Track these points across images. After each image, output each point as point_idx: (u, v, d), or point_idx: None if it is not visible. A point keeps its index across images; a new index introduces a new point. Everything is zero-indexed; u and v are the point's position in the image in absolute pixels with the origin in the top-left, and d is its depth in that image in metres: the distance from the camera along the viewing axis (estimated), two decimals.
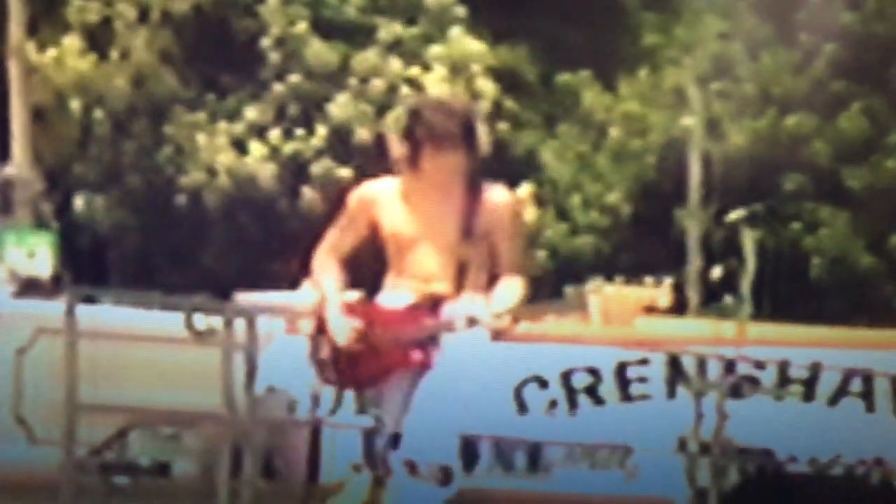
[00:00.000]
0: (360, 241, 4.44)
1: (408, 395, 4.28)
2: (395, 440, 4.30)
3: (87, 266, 16.50)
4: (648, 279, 4.28)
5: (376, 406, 4.40)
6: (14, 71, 17.17)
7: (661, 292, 4.24)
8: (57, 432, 5.19)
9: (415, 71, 17.36)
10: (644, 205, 17.74)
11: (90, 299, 5.86)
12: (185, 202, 17.38)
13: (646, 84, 18.23)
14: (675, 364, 6.89)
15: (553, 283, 14.77)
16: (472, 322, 4.22)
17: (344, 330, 4.32)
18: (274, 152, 17.53)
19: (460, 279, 4.32)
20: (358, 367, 4.34)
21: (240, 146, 17.60)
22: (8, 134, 17.21)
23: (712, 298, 17.43)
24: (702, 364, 6.63)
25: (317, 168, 17.35)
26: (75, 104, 17.67)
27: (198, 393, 5.34)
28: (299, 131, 17.54)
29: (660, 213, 17.48)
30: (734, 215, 7.27)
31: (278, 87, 17.53)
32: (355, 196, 4.51)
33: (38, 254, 15.10)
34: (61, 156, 17.80)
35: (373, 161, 17.64)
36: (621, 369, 6.92)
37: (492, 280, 4.32)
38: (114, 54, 17.65)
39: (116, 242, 17.80)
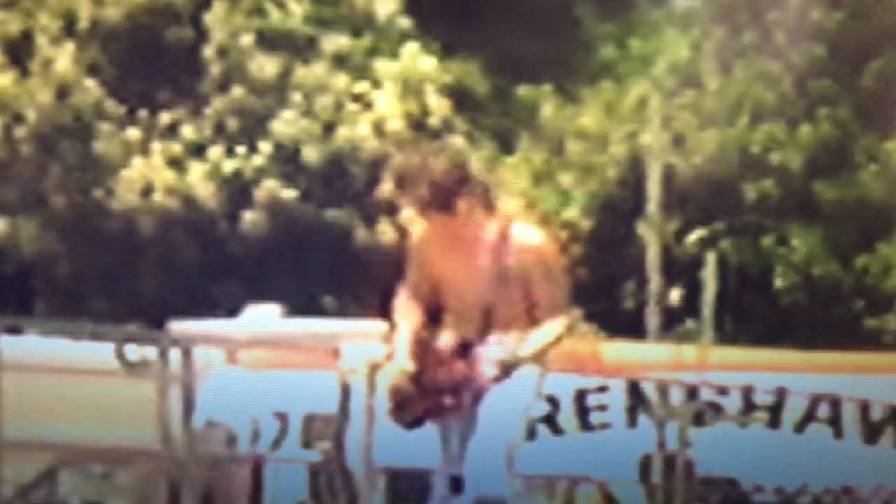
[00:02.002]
0: (432, 283, 4.52)
1: (458, 438, 4.37)
2: (456, 484, 4.37)
3: (10, 294, 16.35)
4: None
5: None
6: None
7: (562, 327, 4.40)
8: None
9: (363, 87, 17.42)
10: (603, 220, 17.88)
11: (14, 329, 5.85)
12: (116, 225, 17.29)
13: (606, 97, 18.42)
14: (635, 391, 6.96)
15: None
16: (500, 367, 4.30)
17: (396, 371, 4.42)
18: (214, 171, 17.51)
19: (490, 320, 4.41)
20: (409, 407, 4.44)
21: (176, 165, 17.55)
22: None
23: (673, 321, 17.62)
24: (663, 391, 6.70)
25: (260, 189, 17.33)
26: None
27: (131, 428, 5.34)
28: (240, 149, 17.53)
29: (620, 228, 17.63)
30: (695, 235, 7.37)
31: (219, 102, 17.51)
32: (415, 236, 4.60)
33: None
34: None
35: (321, 183, 17.66)
36: (580, 397, 6.98)
37: (534, 322, 4.41)
38: (35, 68, 17.56)
39: (42, 268, 17.66)
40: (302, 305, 11.84)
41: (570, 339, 4.42)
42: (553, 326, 4.40)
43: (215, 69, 17.80)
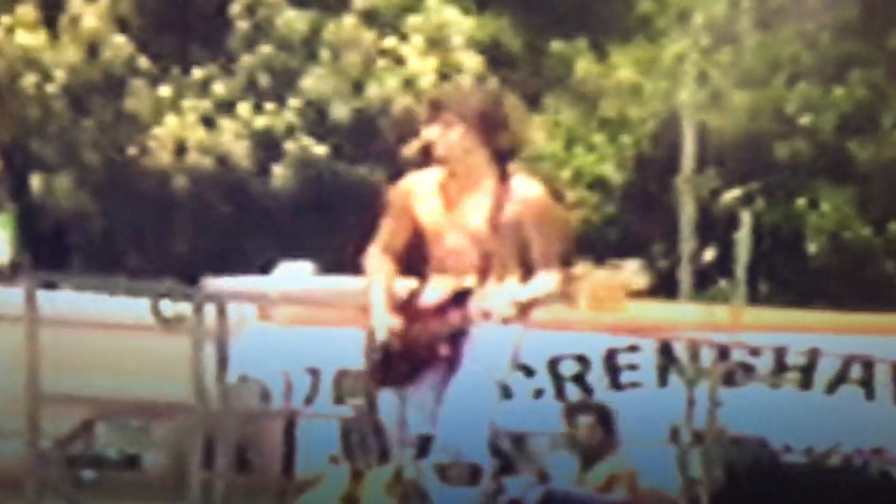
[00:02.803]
0: (408, 235, 4.58)
1: (438, 395, 4.41)
2: (423, 445, 4.43)
3: (46, 250, 16.53)
4: (619, 262, 4.45)
5: (409, 406, 4.52)
6: None
7: (637, 275, 4.39)
8: (19, 424, 5.28)
9: (392, 43, 17.41)
10: (636, 178, 17.85)
11: (51, 285, 5.95)
12: (150, 182, 17.42)
13: (642, 53, 18.32)
14: (666, 351, 7.01)
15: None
16: (485, 315, 4.34)
17: (382, 327, 4.45)
18: (244, 128, 17.58)
19: (485, 271, 4.44)
20: (397, 366, 4.47)
21: (207, 122, 17.63)
22: None
23: (705, 281, 17.60)
24: (694, 351, 6.75)
25: (291, 145, 17.40)
26: (29, 79, 17.66)
27: (166, 383, 5.44)
28: (270, 106, 17.59)
29: (653, 187, 17.60)
30: (730, 195, 7.39)
31: (248, 58, 17.55)
32: (395, 190, 4.66)
33: None
34: (16, 134, 17.79)
35: (351, 139, 17.70)
36: (611, 356, 7.04)
37: (529, 273, 4.46)
38: (64, 24, 17.63)
39: (78, 225, 17.82)
40: (334, 262, 11.93)
41: (561, 295, 4.45)
42: (545, 280, 4.43)
43: (244, 25, 17.84)
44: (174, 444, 5.59)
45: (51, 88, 17.90)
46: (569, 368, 6.98)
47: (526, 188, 4.53)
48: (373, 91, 17.39)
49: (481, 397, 4.39)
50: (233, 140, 17.70)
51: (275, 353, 6.63)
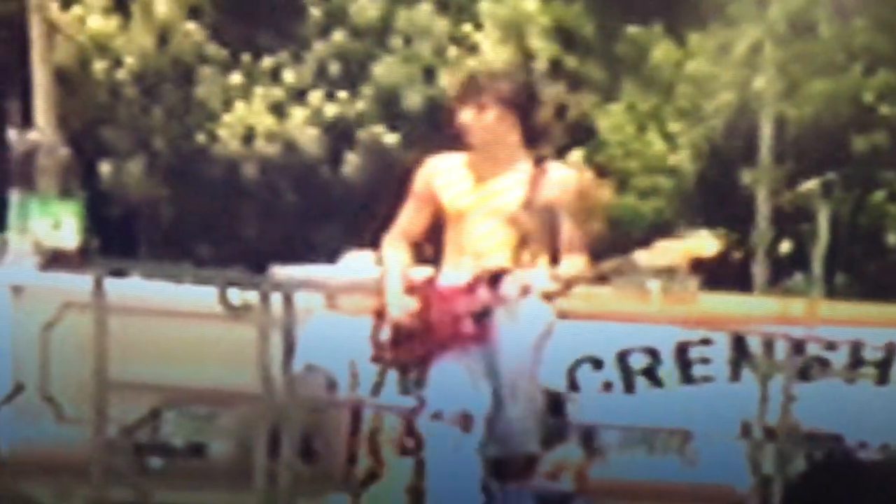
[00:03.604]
0: (428, 221, 4.60)
1: (475, 374, 4.43)
2: (466, 422, 4.46)
3: (115, 237, 16.76)
4: (703, 232, 4.44)
5: (422, 387, 4.54)
6: (36, 30, 17.34)
7: (706, 241, 4.38)
8: (86, 411, 5.36)
9: (465, 30, 17.40)
10: (711, 169, 17.71)
11: (119, 272, 6.02)
12: (219, 170, 17.58)
13: (718, 41, 18.16)
14: (739, 344, 6.94)
15: (607, 250, 14.77)
16: (525, 290, 4.35)
17: (398, 306, 4.47)
18: (315, 116, 17.67)
19: (520, 253, 4.45)
20: (412, 346, 4.48)
21: (277, 110, 17.75)
22: (30, 98, 17.40)
23: (780, 274, 17.42)
24: (768, 344, 6.68)
25: (362, 134, 17.47)
26: (99, 65, 17.88)
27: (233, 371, 5.49)
28: (341, 94, 17.66)
29: (727, 178, 17.45)
30: (807, 186, 7.29)
31: (320, 46, 17.64)
32: (419, 173, 4.68)
33: (63, 224, 15.36)
34: (87, 120, 18.03)
35: (423, 127, 17.74)
36: (682, 350, 6.98)
37: (555, 259, 4.47)
38: (136, 10, 17.82)
39: (147, 212, 18.04)
40: None
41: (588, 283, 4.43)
42: (576, 264, 4.42)
43: (316, 12, 17.94)
44: (240, 433, 5.64)
45: (121, 75, 18.14)
46: (638, 361, 6.93)
47: (562, 172, 4.53)
48: (445, 79, 17.43)
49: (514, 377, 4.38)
50: (302, 128, 17.83)
51: (341, 343, 6.66)
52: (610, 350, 6.84)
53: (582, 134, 17.76)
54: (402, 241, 4.61)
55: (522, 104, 4.48)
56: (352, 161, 17.44)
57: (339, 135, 17.57)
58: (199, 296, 5.66)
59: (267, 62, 17.77)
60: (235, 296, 5.22)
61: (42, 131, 17.20)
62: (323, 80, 17.77)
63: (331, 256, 10.16)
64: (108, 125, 17.99)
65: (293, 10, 17.90)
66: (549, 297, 4.38)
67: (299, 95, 17.71)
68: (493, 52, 17.20)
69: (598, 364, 6.80)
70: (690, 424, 6.68)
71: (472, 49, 17.44)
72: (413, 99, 17.43)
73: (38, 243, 13.70)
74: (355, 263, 8.87)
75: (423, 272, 4.60)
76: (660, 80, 18.23)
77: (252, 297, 5.23)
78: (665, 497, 6.50)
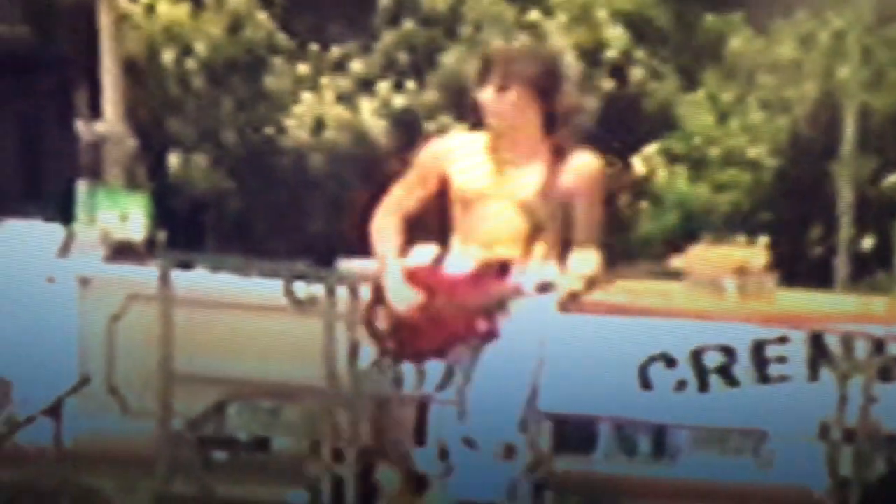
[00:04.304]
0: (426, 199, 4.50)
1: (470, 367, 4.34)
2: (459, 415, 4.38)
3: (182, 229, 16.94)
4: (742, 238, 4.37)
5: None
6: (104, 20, 17.53)
7: (754, 252, 4.29)
8: (151, 403, 5.44)
9: (534, 17, 17.36)
10: (792, 160, 17.52)
11: (185, 265, 6.11)
12: (287, 161, 17.71)
13: (801, 29, 17.96)
14: (818, 343, 6.88)
15: (681, 244, 14.64)
16: (544, 288, 4.25)
17: (403, 298, 4.38)
18: (384, 106, 17.73)
19: (532, 243, 4.35)
20: (420, 338, 4.39)
21: (345, 100, 17.83)
22: (99, 89, 17.60)
23: (862, 271, 17.19)
24: (848, 343, 6.62)
25: (430, 124, 17.50)
26: (168, 56, 18.04)
27: (298, 365, 5.54)
28: (409, 84, 17.70)
29: (809, 170, 17.24)
30: (891, 180, 7.22)
31: (389, 36, 17.70)
32: (428, 150, 4.56)
33: (131, 216, 15.56)
34: (155, 112, 18.22)
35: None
36: (758, 348, 6.94)
37: (565, 248, 4.34)
38: (209, 0, 17.98)
39: (214, 204, 18.21)
40: None
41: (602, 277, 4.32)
42: (589, 256, 4.28)
43: (385, 1, 17.99)
44: (305, 428, 5.70)
45: (190, 64, 18.31)
46: (713, 360, 6.89)
47: (583, 159, 4.35)
48: None
49: (516, 373, 4.30)
50: (371, 118, 17.90)
51: None
52: (684, 348, 6.81)
53: (659, 124, 17.66)
54: (394, 219, 4.52)
55: (545, 86, 4.31)
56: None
57: (408, 125, 17.61)
58: (264, 289, 5.72)
59: (335, 52, 17.85)
60: (301, 289, 5.26)
61: (110, 122, 17.40)
62: (391, 70, 17.83)
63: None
64: (177, 116, 18.18)
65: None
66: (574, 296, 4.25)
67: (367, 86, 17.77)
68: (562, 40, 17.14)
69: (670, 362, 6.78)
70: (766, 425, 6.63)
71: (542, 37, 17.38)
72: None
73: (106, 235, 13.89)
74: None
75: (424, 253, 4.48)
76: (740, 69, 18.06)
77: (318, 290, 5.27)
78: (738, 499, 6.47)
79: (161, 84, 18.10)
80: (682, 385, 6.81)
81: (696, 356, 6.89)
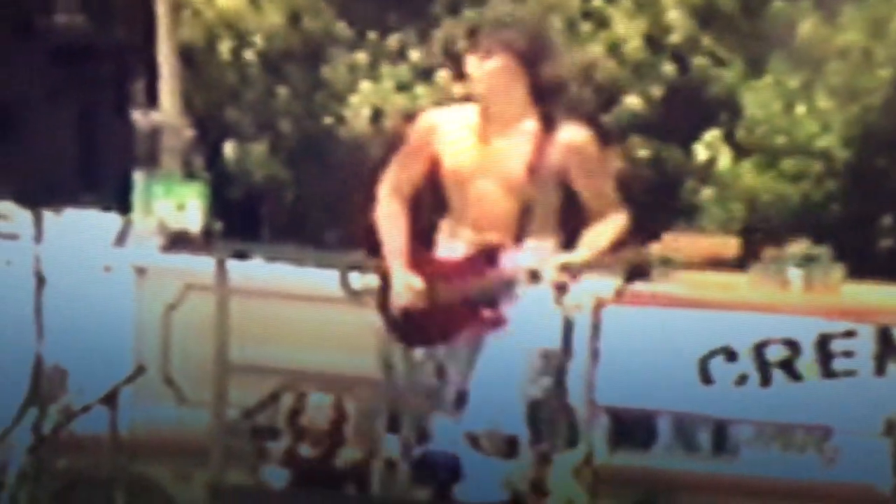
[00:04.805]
0: (423, 178, 4.47)
1: (472, 353, 4.31)
2: (460, 398, 4.34)
3: (238, 219, 17.08)
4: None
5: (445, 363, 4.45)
6: (161, 8, 17.67)
7: (725, 241, 4.23)
8: (207, 393, 5.53)
9: (597, 3, 17.31)
10: (863, 150, 17.34)
11: (242, 255, 6.20)
12: (344, 151, 17.79)
13: (873, 13, 17.76)
14: (885, 337, 6.84)
15: (749, 235, 14.61)
16: (534, 276, 4.18)
17: (406, 288, 4.35)
18: (442, 96, 17.75)
19: (523, 225, 4.24)
20: (428, 325, 4.38)
21: (404, 89, 17.87)
22: (155, 78, 17.74)
23: None
24: None
25: None
26: (226, 45, 18.18)
27: (353, 356, 5.60)
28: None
29: (881, 161, 17.07)
30: None
31: (449, 24, 17.72)
32: (418, 123, 4.54)
33: (187, 206, 15.72)
34: (212, 101, 18.37)
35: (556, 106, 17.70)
36: (823, 342, 6.90)
37: (584, 222, 4.25)
38: None
39: (270, 194, 18.34)
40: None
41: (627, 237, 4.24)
42: (614, 223, 4.14)
43: None
44: (360, 418, 5.76)
45: (248, 55, 18.43)
46: (776, 354, 6.87)
47: (571, 132, 4.25)
48: (576, 57, 17.37)
49: (519, 364, 4.19)
50: (431, 108, 17.88)
51: None
52: (746, 341, 6.79)
53: (723, 110, 17.55)
54: (396, 202, 4.49)
55: (530, 54, 4.23)
56: None
57: None
58: (320, 279, 5.79)
59: (393, 41, 17.90)
60: (357, 280, 5.31)
61: (167, 112, 17.55)
62: (451, 59, 17.88)
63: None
64: (234, 106, 18.32)
65: None
66: (561, 288, 4.18)
67: (426, 74, 17.81)
68: (625, 27, 17.07)
69: (732, 356, 6.76)
70: (830, 421, 6.60)
71: (604, 24, 17.33)
72: None
73: (162, 224, 14.05)
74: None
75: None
76: (809, 55, 17.90)
77: (373, 281, 5.32)
78: (801, 496, 6.45)
79: (219, 73, 18.24)
80: (743, 379, 6.79)
81: (759, 350, 6.86)
